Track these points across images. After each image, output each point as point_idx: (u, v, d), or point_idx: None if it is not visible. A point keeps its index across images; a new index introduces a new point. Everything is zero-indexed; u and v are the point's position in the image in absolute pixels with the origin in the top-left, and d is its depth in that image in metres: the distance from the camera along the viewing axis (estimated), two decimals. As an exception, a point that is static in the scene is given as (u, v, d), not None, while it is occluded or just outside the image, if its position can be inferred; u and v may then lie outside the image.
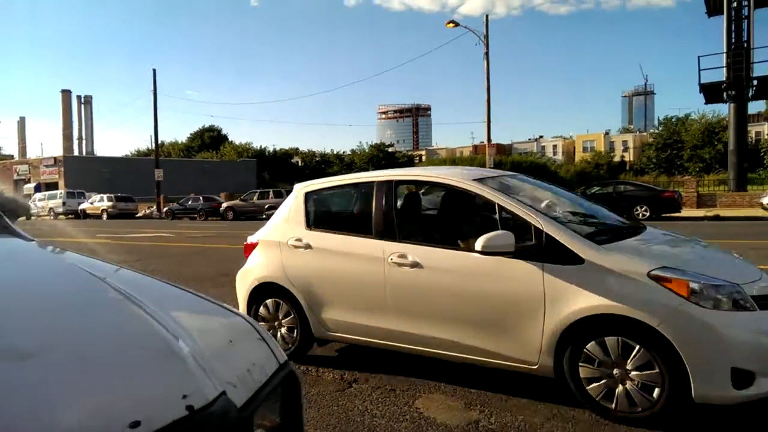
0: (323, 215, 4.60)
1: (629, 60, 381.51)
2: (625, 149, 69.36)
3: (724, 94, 24.08)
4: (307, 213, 4.28)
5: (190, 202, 30.43)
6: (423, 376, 3.80)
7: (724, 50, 23.43)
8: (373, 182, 4.03)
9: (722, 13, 23.44)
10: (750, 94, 24.04)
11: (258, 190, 29.61)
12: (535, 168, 45.85)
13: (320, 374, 3.94)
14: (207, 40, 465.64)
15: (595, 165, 58.35)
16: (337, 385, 3.72)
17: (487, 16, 26.91)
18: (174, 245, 14.38)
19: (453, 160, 47.82)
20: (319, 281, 4.00)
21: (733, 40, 23.25)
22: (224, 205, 28.34)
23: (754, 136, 51.96)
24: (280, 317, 4.22)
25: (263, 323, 4.15)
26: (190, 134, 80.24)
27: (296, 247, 4.12)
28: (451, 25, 25.93)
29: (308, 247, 4.06)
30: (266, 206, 26.44)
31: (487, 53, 25.99)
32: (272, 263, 4.23)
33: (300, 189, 4.44)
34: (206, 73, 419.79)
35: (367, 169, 67.48)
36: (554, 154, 75.73)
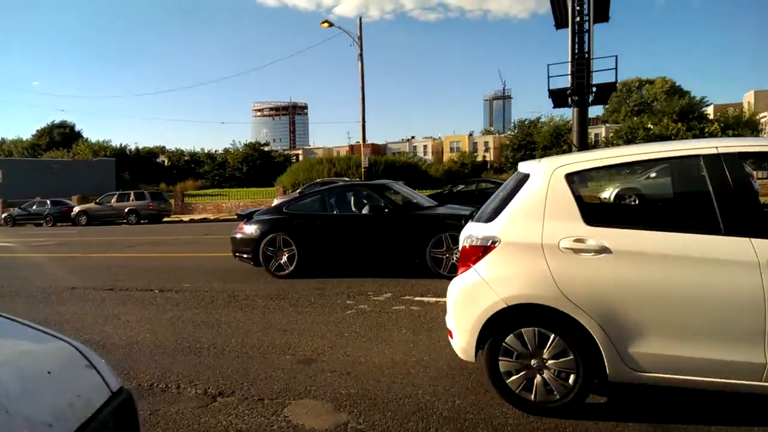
0: (611, 205, 3.27)
1: (490, 66, 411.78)
2: (487, 149, 74.63)
3: (569, 100, 26.79)
4: (581, 202, 3.07)
5: (35, 207, 27.00)
6: (293, 382, 3.71)
7: (569, 60, 26.10)
8: (698, 155, 2.90)
9: (567, 26, 26.09)
10: (590, 100, 26.98)
11: (116, 192, 27.13)
12: (408, 167, 47.50)
13: (181, 391, 3.66)
14: (58, 30, 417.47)
15: (461, 164, 62.00)
16: (199, 400, 3.48)
17: (360, 18, 27.25)
18: (13, 257, 12.65)
19: (330, 159, 47.76)
20: (631, 300, 2.81)
21: (576, 51, 25.95)
22: (76, 209, 25.59)
23: (593, 137, 58.68)
24: (546, 356, 2.99)
25: (508, 361, 3.06)
26: (37, 131, 71.53)
27: (577, 251, 2.91)
28: (326, 24, 25.87)
29: (603, 251, 2.86)
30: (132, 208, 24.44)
31: (361, 55, 26.35)
32: (531, 276, 2.98)
33: (553, 169, 3.14)
34: (57, 66, 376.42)
35: (241, 169, 65.40)
36: (425, 153, 79.10)
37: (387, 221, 7.52)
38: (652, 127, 45.21)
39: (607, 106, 68.17)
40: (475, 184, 22.77)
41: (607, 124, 64.61)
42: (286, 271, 7.77)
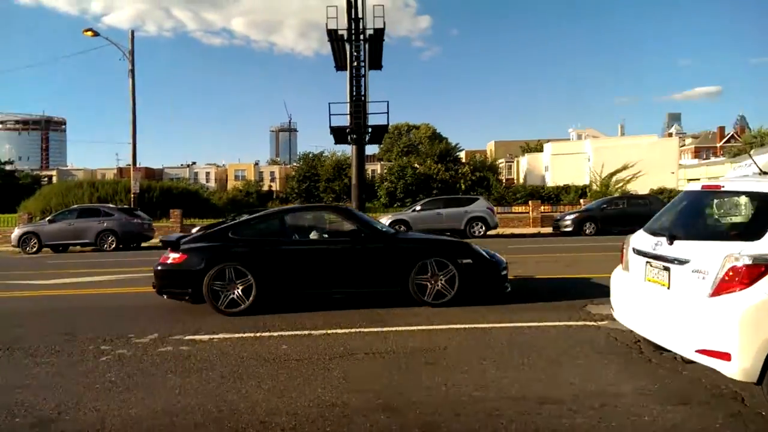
0: None
1: (277, 97, 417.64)
2: (273, 179, 74.90)
3: (349, 138, 28.61)
4: None
5: None
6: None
7: (348, 101, 27.93)
8: None
9: (346, 70, 27.97)
10: (367, 139, 29.22)
11: None
12: (187, 194, 44.63)
13: None
14: None
15: (246, 193, 60.86)
16: None
17: (132, 31, 25.12)
18: None
19: (93, 183, 42.17)
20: None
21: (354, 94, 27.93)
22: None
23: (370, 173, 63.43)
24: None
25: None
26: None
27: None
28: (90, 33, 23.22)
29: None
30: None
31: (132, 71, 24.20)
32: None
33: None
34: None
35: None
36: (207, 181, 75.75)
37: (367, 247, 6.83)
38: (418, 166, 50.75)
39: (381, 146, 74.63)
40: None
41: (382, 162, 70.58)
42: (242, 307, 6.55)
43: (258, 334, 5.64)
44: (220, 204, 50.96)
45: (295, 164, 72.35)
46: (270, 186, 71.96)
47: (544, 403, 3.58)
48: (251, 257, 6.73)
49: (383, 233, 7.17)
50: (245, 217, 7.72)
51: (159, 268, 6.87)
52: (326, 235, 7.32)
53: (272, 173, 77.43)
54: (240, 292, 6.58)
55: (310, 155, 63.12)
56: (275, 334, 5.65)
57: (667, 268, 3.84)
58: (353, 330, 5.70)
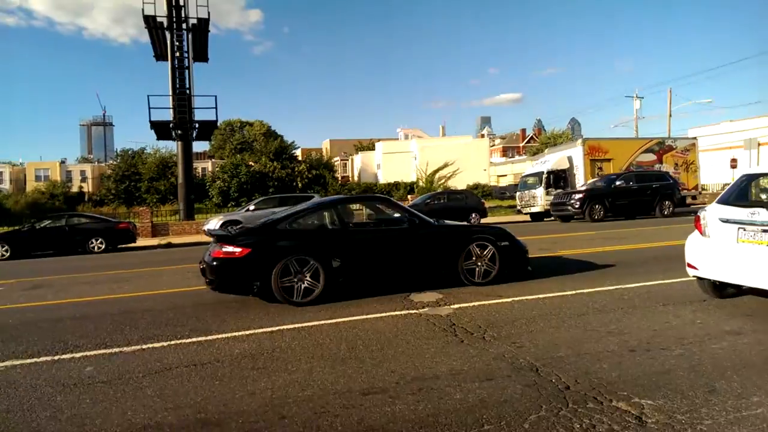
0: None
1: (88, 88, 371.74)
2: (84, 179, 66.69)
3: (173, 133, 26.59)
4: None
5: None
6: None
7: (170, 94, 25.93)
8: None
9: (167, 60, 25.91)
10: (194, 135, 27.44)
11: None
12: (-29, 198, 37.65)
13: None
14: None
15: (50, 195, 53.29)
16: None
17: None
18: None
19: None
20: None
21: (178, 86, 26.02)
22: None
23: (200, 171, 59.99)
24: None
25: None
26: None
27: None
28: None
29: None
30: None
31: None
32: None
33: None
34: None
35: None
36: (0, 182, 64.72)
37: (422, 233, 7.25)
38: (253, 164, 49.26)
39: (212, 143, 70.92)
40: (66, 218, 19.78)
41: (213, 159, 67.15)
42: (313, 295, 6.59)
43: (57, 357, 4.91)
44: (17, 208, 44.04)
45: (111, 162, 65.29)
46: (81, 187, 63.94)
47: (368, 394, 3.67)
48: (318, 246, 6.75)
49: (430, 221, 7.54)
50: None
51: (215, 263, 6.45)
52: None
53: (83, 173, 68.85)
54: (309, 281, 6.60)
55: (130, 152, 57.67)
56: (78, 355, 4.97)
57: (767, 231, 4.83)
58: (173, 342, 5.27)
